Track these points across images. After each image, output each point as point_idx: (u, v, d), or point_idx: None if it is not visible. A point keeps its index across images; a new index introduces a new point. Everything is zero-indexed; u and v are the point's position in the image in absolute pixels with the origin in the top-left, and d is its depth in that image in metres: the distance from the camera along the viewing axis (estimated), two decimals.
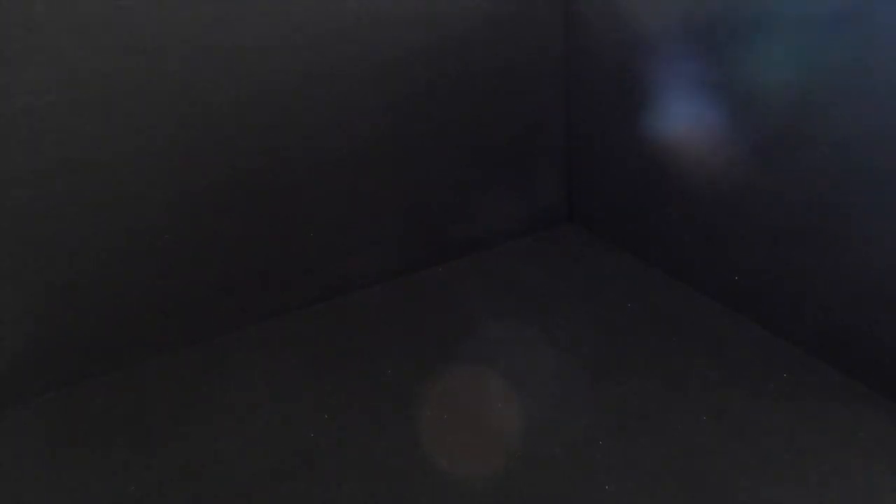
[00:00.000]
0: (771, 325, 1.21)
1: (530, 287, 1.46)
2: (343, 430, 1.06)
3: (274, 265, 1.38)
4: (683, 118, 1.28)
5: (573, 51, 1.55)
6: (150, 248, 1.24)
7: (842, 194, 1.01)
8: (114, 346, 1.27)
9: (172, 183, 1.22)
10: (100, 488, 0.99)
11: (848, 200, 1.01)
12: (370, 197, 1.45)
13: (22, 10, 1.02)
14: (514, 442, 1.00)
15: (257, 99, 1.24)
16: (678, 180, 1.34)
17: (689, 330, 1.24)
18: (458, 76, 1.44)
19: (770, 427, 0.98)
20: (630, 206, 1.52)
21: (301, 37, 1.24)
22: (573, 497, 0.90)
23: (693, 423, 1.01)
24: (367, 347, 1.28)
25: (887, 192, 0.94)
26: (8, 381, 1.19)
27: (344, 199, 1.41)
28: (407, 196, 1.49)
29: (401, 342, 1.29)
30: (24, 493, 0.99)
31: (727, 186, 1.22)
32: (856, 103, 0.95)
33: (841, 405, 1.02)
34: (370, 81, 1.34)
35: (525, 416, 1.06)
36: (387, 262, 1.53)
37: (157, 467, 1.02)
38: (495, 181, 1.60)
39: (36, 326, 1.19)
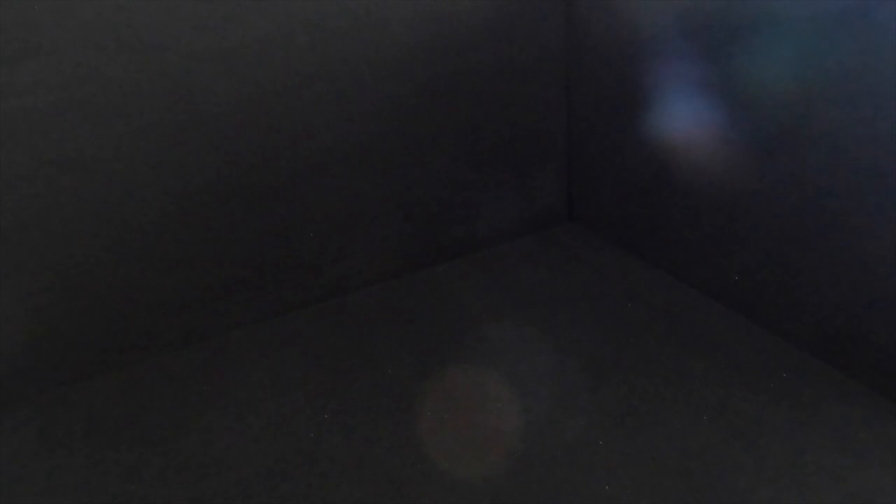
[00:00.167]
0: (771, 325, 1.21)
1: (530, 287, 1.46)
2: (343, 430, 1.06)
3: (274, 265, 1.38)
4: (683, 118, 1.28)
5: (573, 51, 1.55)
6: (150, 247, 1.24)
7: (842, 194, 1.01)
8: (114, 346, 1.27)
9: (172, 182, 1.22)
10: (100, 488, 0.99)
11: (847, 200, 1.01)
12: (370, 197, 1.45)
13: (22, 10, 1.02)
14: (514, 442, 1.00)
15: (257, 98, 1.24)
16: (678, 180, 1.34)
17: (689, 330, 1.24)
18: (457, 76, 1.44)
19: (769, 427, 0.98)
20: (630, 205, 1.52)
21: (301, 37, 1.24)
22: (573, 497, 0.90)
23: (693, 423, 1.01)
24: (367, 347, 1.28)
25: (886, 192, 0.94)
26: (8, 381, 1.19)
27: (344, 199, 1.41)
28: (407, 196, 1.49)
29: (401, 342, 1.29)
30: (24, 493, 0.99)
31: (727, 186, 1.22)
32: (856, 103, 0.95)
33: (841, 405, 1.02)
34: (370, 81, 1.34)
35: (525, 416, 1.06)
36: (387, 262, 1.53)
37: (157, 467, 1.02)
38: (495, 181, 1.60)
39: (36, 326, 1.19)
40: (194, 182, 1.24)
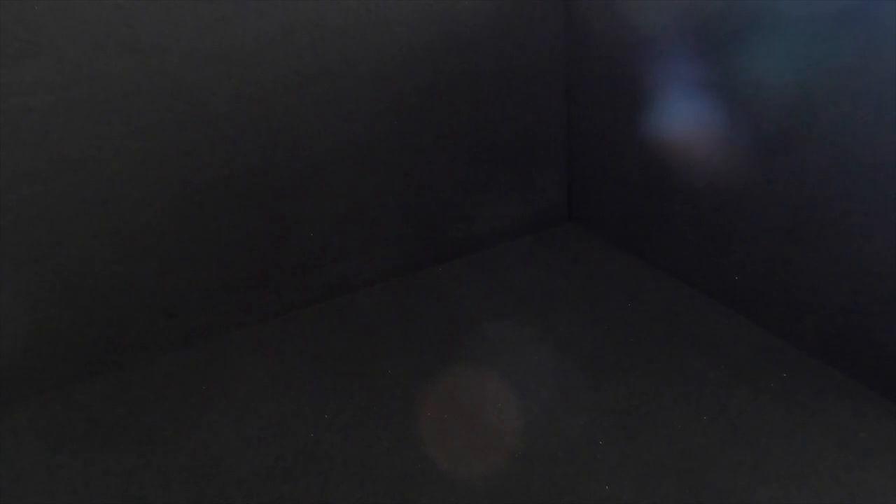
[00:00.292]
0: (771, 325, 1.21)
1: (530, 287, 1.46)
2: (343, 430, 1.06)
3: (274, 265, 1.38)
4: (683, 118, 1.28)
5: (573, 51, 1.55)
6: (150, 248, 1.24)
7: (841, 194, 1.01)
8: (114, 346, 1.27)
9: (172, 183, 1.22)
10: (100, 488, 0.99)
11: (847, 200, 1.01)
12: (370, 197, 1.45)
13: (22, 10, 1.02)
14: (514, 442, 1.00)
15: (257, 99, 1.24)
16: (678, 180, 1.34)
17: (689, 330, 1.24)
18: (457, 76, 1.44)
19: (770, 427, 0.98)
20: (630, 205, 1.52)
21: (301, 37, 1.24)
22: (573, 497, 0.90)
23: (693, 423, 1.01)
24: (367, 347, 1.28)
25: (886, 192, 0.94)
26: (8, 381, 1.19)
27: (344, 199, 1.41)
28: (407, 196, 1.49)
29: (401, 342, 1.29)
30: (24, 493, 0.99)
31: (727, 186, 1.22)
32: (856, 103, 0.95)
33: (841, 405, 1.02)
34: (370, 81, 1.34)
35: (525, 415, 1.06)
36: (387, 262, 1.53)
37: (157, 467, 1.02)
38: (495, 181, 1.60)
39: (36, 326, 1.19)
40: (194, 182, 1.24)
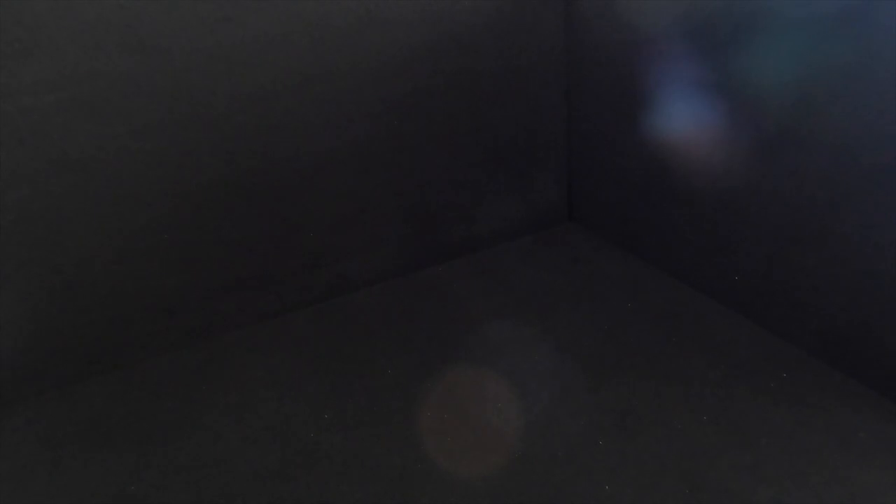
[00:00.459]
0: (771, 325, 1.21)
1: (530, 287, 1.46)
2: (343, 430, 1.06)
3: (274, 265, 1.38)
4: (683, 118, 1.28)
5: (573, 51, 1.55)
6: (150, 248, 1.24)
7: (842, 194, 1.01)
8: (114, 346, 1.27)
9: (172, 183, 1.22)
10: (100, 488, 0.99)
11: (848, 200, 1.01)
12: (370, 197, 1.45)
13: (22, 10, 1.02)
14: (514, 442, 1.00)
15: (257, 99, 1.24)
16: (678, 180, 1.34)
17: (689, 330, 1.24)
18: (458, 76, 1.44)
19: (770, 427, 0.99)
20: (630, 205, 1.52)
21: (301, 37, 1.24)
22: (573, 497, 0.90)
23: (693, 423, 1.01)
24: (367, 347, 1.28)
25: (887, 192, 0.94)
26: (8, 381, 1.19)
27: (344, 199, 1.41)
28: (407, 196, 1.49)
29: (401, 342, 1.29)
30: (25, 493, 0.99)
31: (727, 186, 1.22)
32: (856, 103, 0.95)
33: (841, 405, 1.02)
34: (370, 81, 1.34)
35: (525, 416, 1.06)
36: (387, 262, 1.53)
37: (157, 467, 1.02)
38: (495, 181, 1.60)
39: (36, 326, 1.19)
40: (194, 182, 1.24)
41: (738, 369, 1.12)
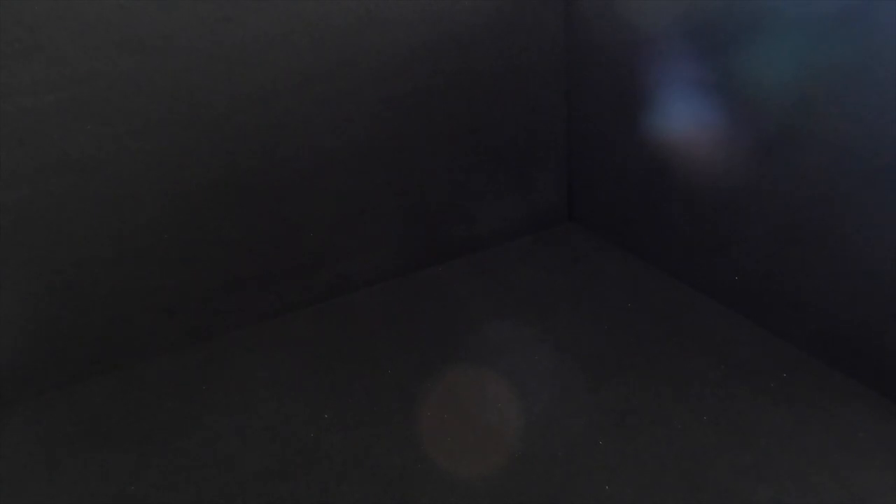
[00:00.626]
0: (771, 325, 1.21)
1: (530, 287, 1.46)
2: (343, 430, 1.06)
3: (274, 265, 1.38)
4: (683, 118, 1.28)
5: (573, 51, 1.55)
6: (150, 248, 1.24)
7: (842, 194, 1.01)
8: (114, 346, 1.27)
9: (172, 183, 1.22)
10: (100, 488, 0.99)
11: (848, 200, 1.01)
12: (370, 197, 1.45)
13: (22, 10, 1.02)
14: (513, 442, 1.00)
15: (257, 99, 1.24)
16: (678, 180, 1.34)
17: (689, 330, 1.24)
18: (457, 76, 1.44)
19: (770, 427, 0.99)
20: (630, 205, 1.52)
21: (301, 37, 1.24)
22: (573, 497, 0.90)
23: (693, 423, 1.01)
24: (367, 347, 1.28)
25: (887, 192, 0.94)
26: (8, 381, 1.19)
27: (344, 199, 1.41)
28: (407, 196, 1.49)
29: (401, 342, 1.29)
30: (25, 493, 0.99)
31: (727, 186, 1.22)
32: (856, 103, 0.95)
33: (841, 405, 1.02)
34: (370, 81, 1.34)
35: (525, 415, 1.06)
36: (387, 262, 1.53)
37: (157, 467, 1.02)
38: (495, 181, 1.60)
39: (36, 326, 1.19)
40: (194, 182, 1.24)
41: (738, 369, 1.12)
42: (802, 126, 1.04)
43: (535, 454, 0.98)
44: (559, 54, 1.56)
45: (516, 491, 0.91)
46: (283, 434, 1.07)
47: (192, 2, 1.13)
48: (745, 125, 1.15)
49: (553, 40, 1.54)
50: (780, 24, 1.03)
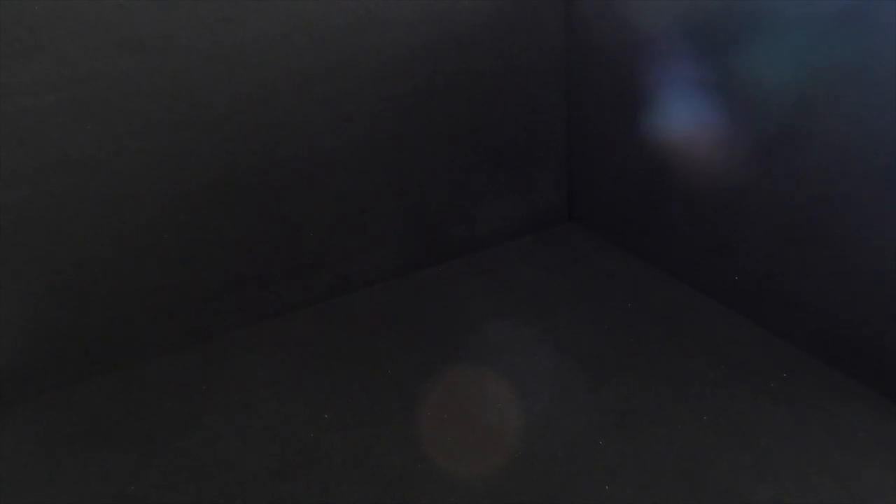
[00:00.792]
0: (771, 325, 1.21)
1: (530, 287, 1.46)
2: (343, 430, 1.06)
3: (274, 265, 1.38)
4: (683, 118, 1.28)
5: (573, 51, 1.55)
6: (150, 248, 1.24)
7: (842, 194, 1.01)
8: (114, 346, 1.27)
9: (172, 183, 1.22)
10: (100, 488, 0.99)
11: (848, 200, 1.01)
12: (370, 197, 1.45)
13: (22, 10, 1.02)
14: (514, 442, 1.00)
15: (257, 99, 1.24)
16: (678, 180, 1.34)
17: (689, 330, 1.24)
18: (458, 76, 1.44)
19: (770, 427, 0.98)
20: (630, 205, 1.52)
21: (301, 37, 1.24)
22: (573, 497, 0.90)
23: (693, 423, 1.01)
24: (367, 347, 1.28)
25: (887, 192, 0.94)
26: (8, 381, 1.19)
27: (344, 199, 1.41)
28: (407, 196, 1.49)
29: (401, 342, 1.29)
30: (24, 493, 0.99)
31: (727, 186, 1.22)
32: (856, 103, 0.95)
33: (841, 405, 1.02)
34: (370, 81, 1.34)
35: (525, 415, 1.06)
36: (387, 262, 1.53)
37: (157, 467, 1.02)
38: (495, 181, 1.60)
39: (36, 326, 1.19)
40: (194, 182, 1.24)
41: (738, 369, 1.12)
42: (802, 126, 1.04)
43: (535, 454, 0.98)
44: (559, 54, 1.56)
45: (516, 491, 0.91)
46: (283, 434, 1.07)
47: (192, 2, 1.13)
48: (745, 125, 1.15)
49: (553, 40, 1.54)
50: (780, 24, 1.03)
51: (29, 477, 1.03)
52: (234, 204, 1.29)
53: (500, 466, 0.96)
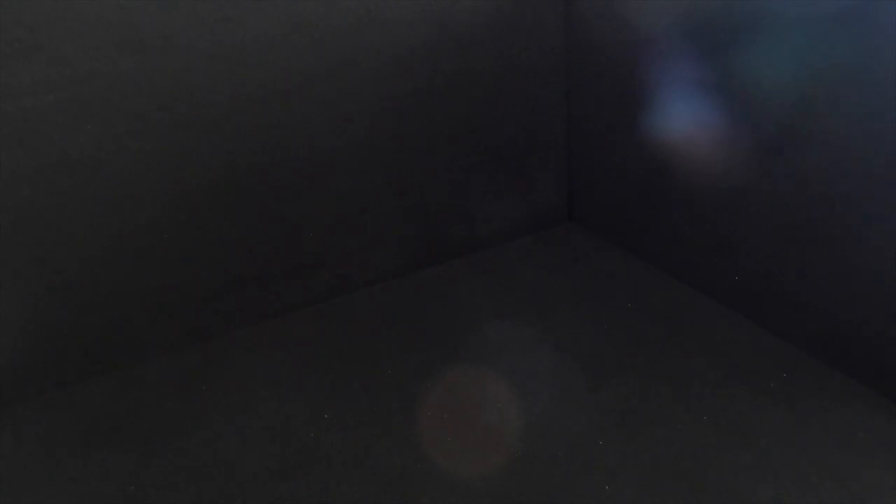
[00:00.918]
0: (771, 325, 1.21)
1: (530, 287, 1.46)
2: (343, 430, 1.06)
3: (274, 265, 1.38)
4: (683, 118, 1.28)
5: (573, 51, 1.55)
6: (150, 247, 1.24)
7: (842, 194, 1.01)
8: (114, 346, 1.27)
9: (172, 183, 1.22)
10: (100, 488, 0.99)
11: (848, 200, 1.01)
12: (370, 197, 1.45)
13: (22, 10, 1.02)
14: (514, 442, 1.00)
15: (257, 98, 1.24)
16: (678, 180, 1.34)
17: (689, 330, 1.24)
18: (458, 76, 1.44)
19: (770, 427, 0.98)
20: (630, 205, 1.52)
21: (301, 37, 1.24)
22: (573, 497, 0.90)
23: (693, 423, 1.01)
24: (367, 347, 1.28)
25: (887, 192, 0.94)
26: (8, 381, 1.19)
27: (344, 199, 1.41)
28: (407, 196, 1.49)
29: (401, 342, 1.29)
30: (25, 493, 0.99)
31: (727, 186, 1.22)
32: (856, 103, 0.95)
33: (841, 405, 1.02)
34: (370, 81, 1.34)
35: (525, 415, 1.06)
36: (387, 262, 1.53)
37: (157, 467, 1.02)
38: (495, 181, 1.60)
39: (36, 326, 1.19)
40: (194, 182, 1.24)
41: (738, 369, 1.12)
42: (802, 126, 1.04)
43: (535, 454, 0.98)
44: (559, 54, 1.56)
45: (516, 491, 0.91)
46: (283, 434, 1.07)
47: (192, 2, 1.13)
48: (745, 125, 1.15)
49: (553, 40, 1.54)
50: (780, 24, 1.03)
51: (29, 477, 1.03)
52: (234, 204, 1.29)
53: (500, 466, 0.96)
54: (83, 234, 1.18)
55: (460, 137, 1.51)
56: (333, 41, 1.28)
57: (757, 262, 1.21)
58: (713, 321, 1.27)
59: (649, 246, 1.50)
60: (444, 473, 0.96)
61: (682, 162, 1.32)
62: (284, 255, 1.39)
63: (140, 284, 1.26)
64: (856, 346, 1.06)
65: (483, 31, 1.43)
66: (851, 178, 0.99)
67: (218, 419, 1.12)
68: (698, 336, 1.22)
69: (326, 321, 1.39)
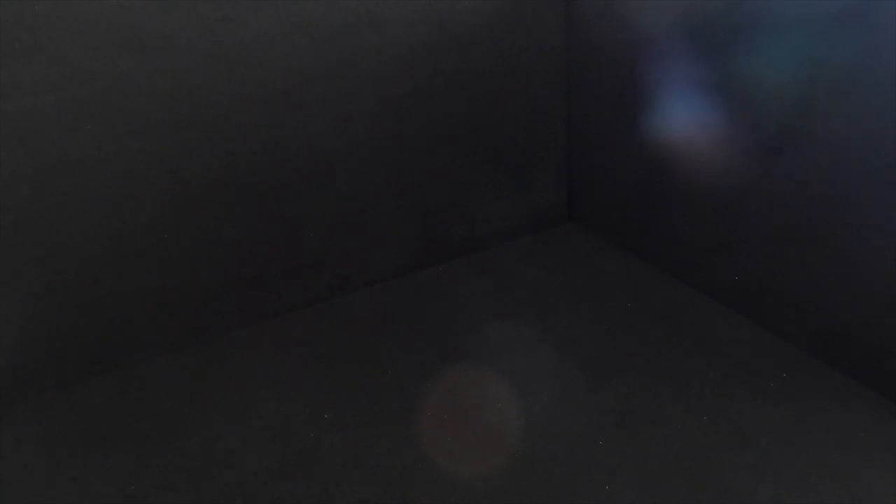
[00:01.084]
0: (771, 325, 1.21)
1: (530, 287, 1.46)
2: (343, 430, 1.06)
3: (274, 265, 1.38)
4: (683, 118, 1.28)
5: (573, 51, 1.55)
6: (150, 247, 1.24)
7: (842, 194, 1.01)
8: (114, 346, 1.27)
9: (172, 183, 1.22)
10: (100, 488, 0.99)
11: (848, 200, 1.01)
12: (370, 197, 1.45)
13: (22, 10, 1.02)
14: (514, 442, 1.00)
15: (257, 98, 1.24)
16: (678, 180, 1.34)
17: (689, 330, 1.24)
18: (458, 76, 1.44)
19: (770, 427, 0.98)
20: (630, 205, 1.52)
21: (301, 37, 1.24)
22: (573, 497, 0.90)
23: (693, 423, 1.01)
24: (367, 347, 1.28)
25: (887, 192, 0.94)
26: (8, 381, 1.19)
27: (344, 199, 1.41)
28: (407, 196, 1.49)
29: (401, 342, 1.29)
30: (25, 493, 0.99)
31: (727, 186, 1.22)
32: (856, 103, 0.95)
33: (841, 405, 1.02)
34: (370, 81, 1.34)
35: (525, 415, 1.06)
36: (387, 262, 1.53)
37: (157, 467, 1.02)
38: (495, 181, 1.60)
39: (36, 326, 1.19)
40: (194, 182, 1.24)
41: (738, 369, 1.12)
42: (802, 126, 1.04)
43: (535, 454, 0.98)
44: (559, 54, 1.56)
45: (516, 491, 0.91)
46: (283, 434, 1.07)
47: (192, 2, 1.13)
48: (745, 125, 1.15)
49: (553, 40, 1.54)
50: (780, 24, 1.03)
51: (29, 477, 1.03)
52: (234, 204, 1.29)
53: (500, 466, 0.96)
54: (83, 234, 1.18)
55: (460, 137, 1.51)
56: (333, 41, 1.28)
57: (757, 262, 1.21)
58: (713, 321, 1.27)
59: (649, 246, 1.50)
60: (444, 473, 0.96)
61: (682, 162, 1.32)
62: (284, 255, 1.39)
63: (140, 284, 1.26)
64: (856, 346, 1.06)
65: (483, 31, 1.43)
66: (851, 178, 0.99)
67: (218, 419, 1.12)
68: (698, 336, 1.22)
69: (326, 321, 1.39)
